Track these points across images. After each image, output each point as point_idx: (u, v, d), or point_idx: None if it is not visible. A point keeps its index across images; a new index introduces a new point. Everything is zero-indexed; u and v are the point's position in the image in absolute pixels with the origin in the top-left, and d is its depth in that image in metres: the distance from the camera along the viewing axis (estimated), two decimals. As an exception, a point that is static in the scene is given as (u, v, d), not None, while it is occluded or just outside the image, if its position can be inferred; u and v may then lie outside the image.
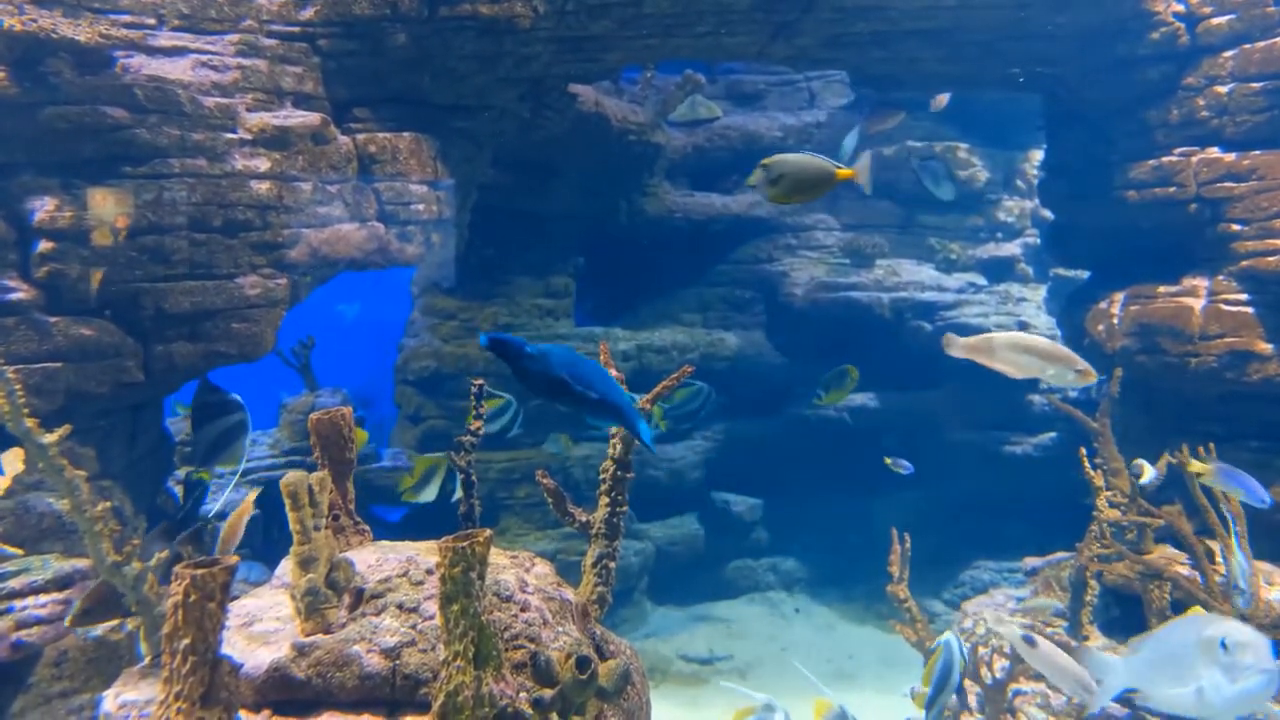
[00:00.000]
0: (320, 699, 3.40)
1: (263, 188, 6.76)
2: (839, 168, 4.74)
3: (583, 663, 3.35)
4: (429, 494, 8.14)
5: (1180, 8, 7.57)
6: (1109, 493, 6.40)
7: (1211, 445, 5.95)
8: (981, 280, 12.29)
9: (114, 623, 5.81)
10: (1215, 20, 7.42)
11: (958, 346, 5.51)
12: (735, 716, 6.15)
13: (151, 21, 6.81)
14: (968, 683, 6.89)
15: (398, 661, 3.39)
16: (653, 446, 3.77)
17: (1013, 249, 12.71)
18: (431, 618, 3.49)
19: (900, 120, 10.83)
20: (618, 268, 12.51)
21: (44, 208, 6.09)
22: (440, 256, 8.43)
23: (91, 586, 4.59)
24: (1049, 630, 6.70)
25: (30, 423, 4.73)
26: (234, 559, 2.93)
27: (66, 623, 4.61)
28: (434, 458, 8.37)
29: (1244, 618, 5.65)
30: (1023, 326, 11.11)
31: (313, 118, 7.07)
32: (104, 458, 6.54)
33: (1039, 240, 12.33)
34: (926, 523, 9.32)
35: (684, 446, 11.63)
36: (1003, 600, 7.72)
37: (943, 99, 11.77)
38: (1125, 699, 5.12)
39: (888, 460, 9.13)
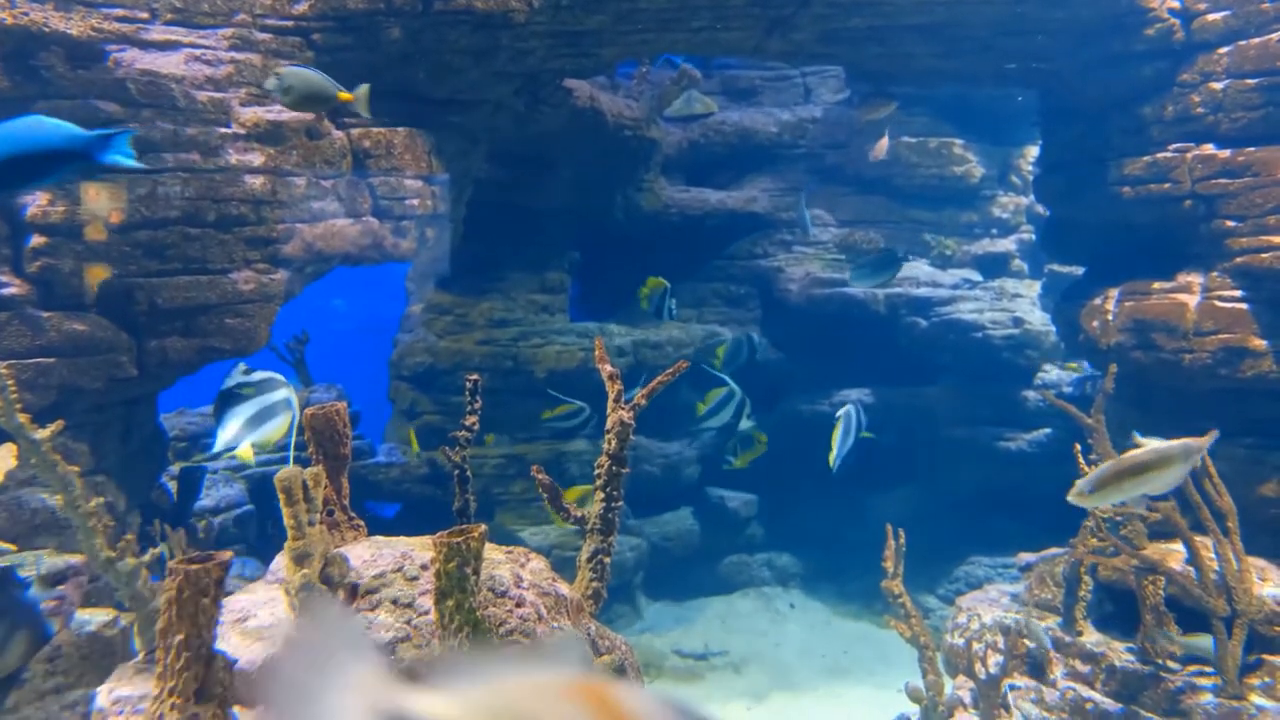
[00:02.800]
0: (315, 695, 3.39)
1: (256, 182, 6.74)
2: (341, 90, 5.70)
3: (578, 658, 3.35)
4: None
5: (1175, 4, 7.58)
6: (1103, 488, 6.40)
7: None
8: (976, 276, 12.30)
9: (109, 617, 5.81)
10: (1210, 16, 7.42)
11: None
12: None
13: (144, 15, 6.78)
14: (961, 678, 6.92)
15: (393, 657, 3.39)
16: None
17: (1008, 245, 12.73)
18: (426, 613, 3.49)
19: (892, 110, 10.82)
20: (613, 263, 12.50)
21: (36, 202, 6.07)
22: (435, 252, 8.41)
23: None
24: (1043, 625, 6.71)
25: (23, 418, 4.72)
26: (228, 554, 2.93)
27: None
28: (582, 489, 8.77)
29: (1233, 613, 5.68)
30: (1018, 323, 11.12)
31: (306, 112, 7.04)
32: (97, 453, 6.52)
33: (1034, 236, 12.34)
34: (921, 518, 9.34)
35: (679, 442, 11.63)
36: (997, 596, 7.74)
37: (882, 146, 11.89)
38: None
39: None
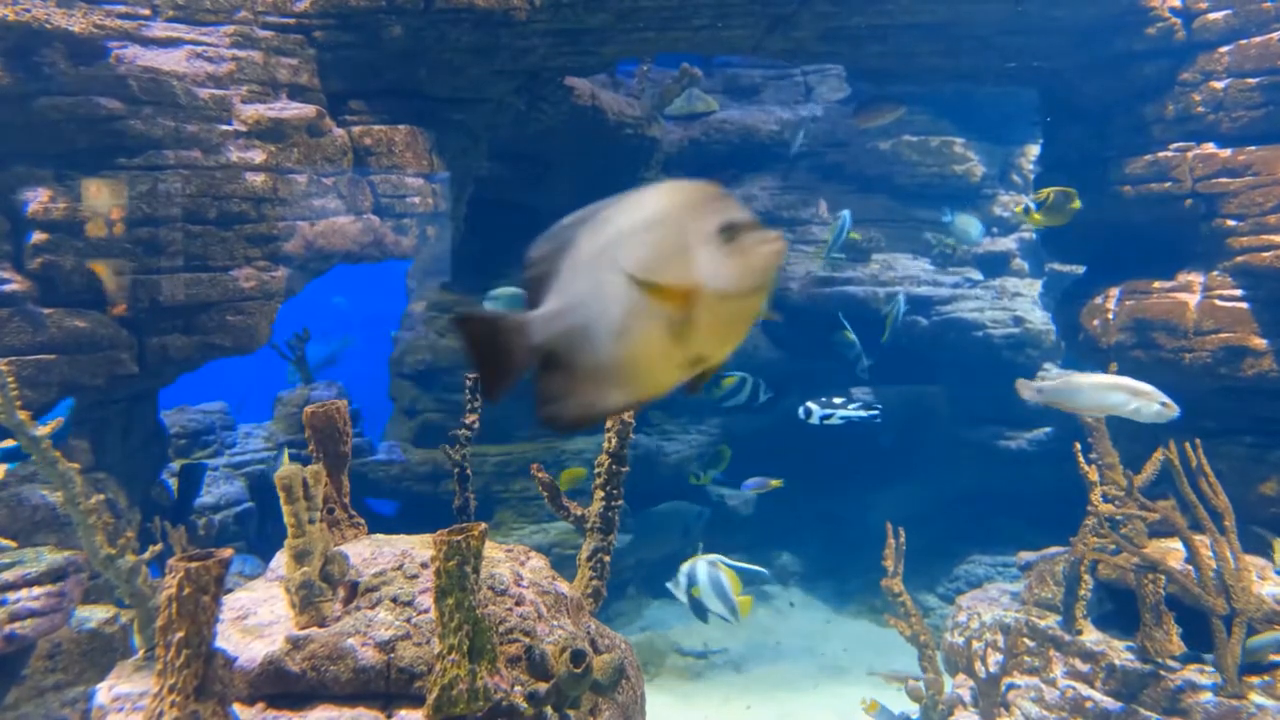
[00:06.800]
0: (315, 692, 3.40)
1: (258, 180, 6.74)
2: None
3: (577, 656, 3.35)
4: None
5: (1177, 3, 7.57)
6: (1104, 487, 6.41)
7: (1198, 441, 5.98)
8: (977, 275, 12.29)
9: (109, 614, 5.82)
10: (1211, 16, 7.41)
11: (1030, 390, 5.63)
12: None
13: (146, 12, 6.78)
14: (961, 677, 6.93)
15: (392, 655, 3.40)
16: None
17: (1008, 244, 12.71)
18: (426, 611, 3.49)
19: (898, 115, 10.81)
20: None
21: (37, 199, 6.07)
22: (436, 250, 8.42)
23: None
24: (1043, 624, 6.72)
25: (23, 415, 4.72)
26: (228, 552, 2.93)
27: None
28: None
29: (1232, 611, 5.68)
30: (1018, 322, 11.12)
31: (308, 110, 7.04)
32: (98, 450, 6.53)
33: (1034, 235, 12.33)
34: (921, 517, 9.34)
35: (680, 441, 11.63)
36: (997, 594, 7.74)
37: (823, 208, 12.01)
38: None
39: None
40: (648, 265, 1.72)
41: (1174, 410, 5.54)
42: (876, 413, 9.16)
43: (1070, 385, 5.64)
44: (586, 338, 1.82)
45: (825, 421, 9.00)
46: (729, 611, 7.14)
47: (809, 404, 9.17)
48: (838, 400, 9.32)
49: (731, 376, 10.26)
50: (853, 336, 10.58)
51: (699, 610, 7.39)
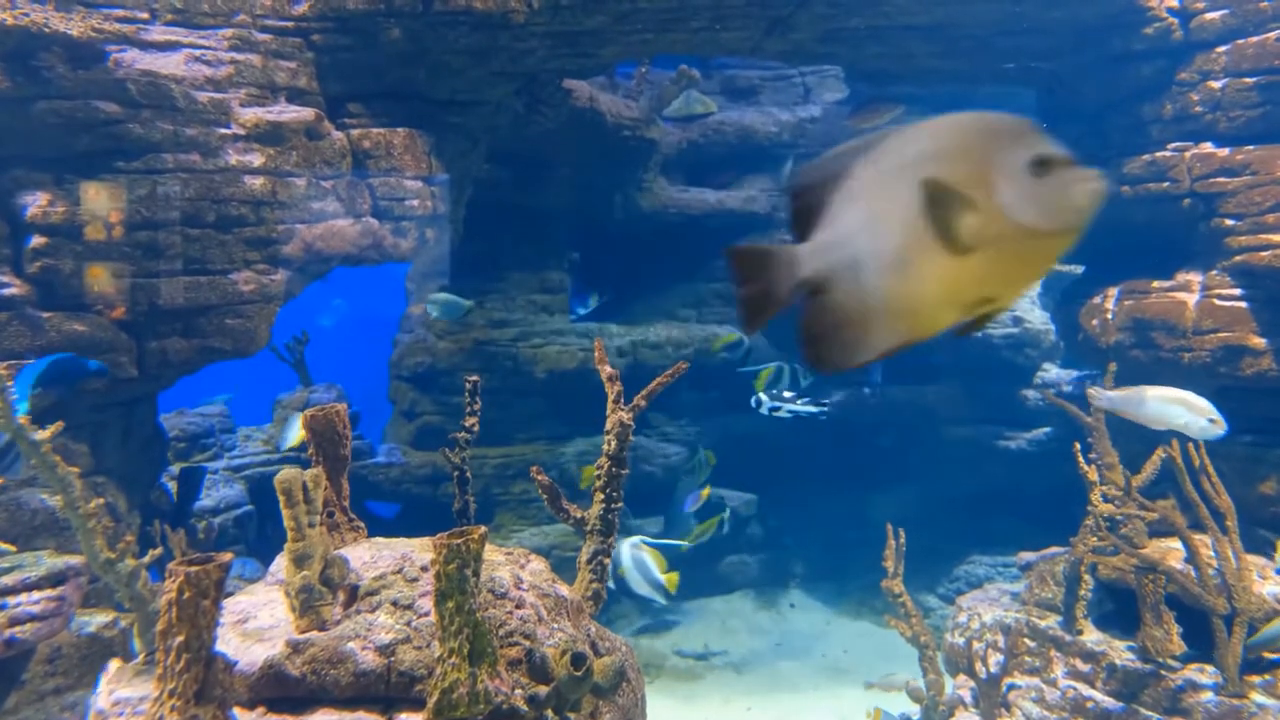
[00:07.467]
0: (315, 696, 3.39)
1: (256, 183, 6.74)
2: None
3: (578, 659, 3.35)
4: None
5: (1174, 3, 7.57)
6: (1103, 487, 6.42)
7: (1200, 440, 5.98)
8: (976, 275, 12.29)
9: (109, 618, 5.82)
10: (1209, 15, 7.42)
11: (1102, 399, 5.82)
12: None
13: (144, 16, 6.78)
14: (961, 678, 6.93)
15: (393, 658, 3.39)
16: None
17: (1007, 244, 12.71)
18: (426, 614, 3.49)
19: (896, 114, 10.79)
20: (612, 263, 12.49)
21: (36, 203, 6.07)
22: (435, 252, 8.42)
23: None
24: (1043, 624, 6.72)
25: (22, 419, 4.72)
26: (228, 556, 2.93)
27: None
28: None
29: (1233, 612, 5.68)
30: (1017, 322, 11.13)
31: (306, 113, 7.04)
32: (97, 454, 6.52)
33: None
34: (921, 518, 9.33)
35: (680, 443, 11.64)
36: (997, 595, 7.74)
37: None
38: None
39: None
40: None
41: (1221, 428, 5.69)
42: (824, 409, 9.20)
43: (1136, 396, 5.81)
44: (859, 272, 1.73)
45: (774, 413, 9.07)
46: (656, 591, 7.18)
47: (760, 394, 9.23)
48: (788, 394, 9.37)
49: (769, 367, 10.26)
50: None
51: (627, 593, 7.45)
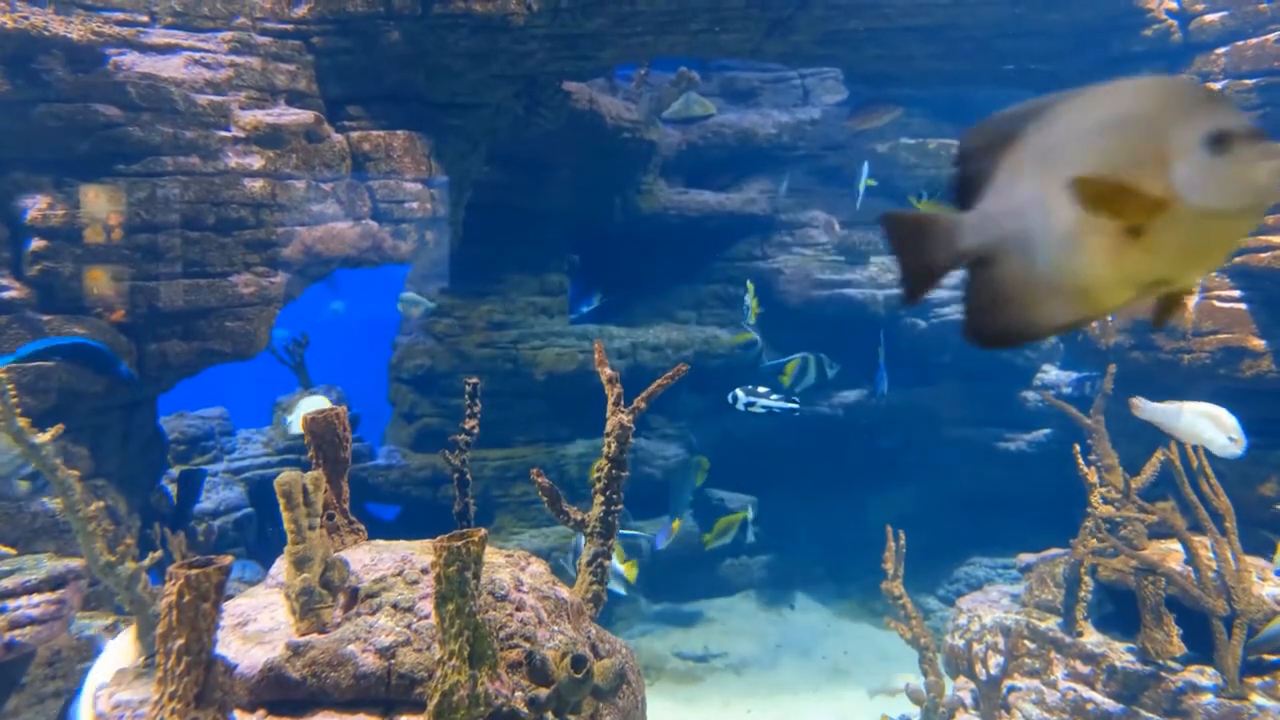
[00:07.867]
0: (315, 699, 3.39)
1: (256, 186, 6.74)
2: None
3: (578, 661, 3.35)
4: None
5: (1173, 5, 7.59)
6: (1103, 489, 6.42)
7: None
8: (976, 277, 12.29)
9: (109, 621, 5.81)
10: (1208, 17, 7.43)
11: (1145, 410, 6.00)
12: None
13: (144, 19, 6.78)
14: (961, 679, 6.92)
15: (393, 661, 3.39)
16: None
17: (1007, 246, 12.71)
18: (426, 617, 3.49)
19: (894, 117, 10.80)
20: (612, 265, 12.50)
21: (36, 206, 6.07)
22: (434, 254, 8.42)
23: None
24: (1043, 626, 6.71)
25: (23, 422, 4.72)
26: (228, 559, 2.93)
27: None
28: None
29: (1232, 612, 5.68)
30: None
31: (306, 115, 7.05)
32: (97, 456, 6.52)
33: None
34: (921, 519, 9.33)
35: (679, 444, 11.63)
36: (997, 596, 7.74)
37: (835, 227, 12.10)
38: None
39: None
40: (1109, 170, 1.53)
41: (1239, 448, 5.74)
42: (795, 406, 9.27)
43: (1174, 409, 5.94)
44: (1026, 246, 1.66)
45: (749, 409, 9.14)
46: (616, 581, 7.22)
47: (737, 390, 9.31)
48: (762, 390, 9.42)
49: (793, 360, 10.27)
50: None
51: None
